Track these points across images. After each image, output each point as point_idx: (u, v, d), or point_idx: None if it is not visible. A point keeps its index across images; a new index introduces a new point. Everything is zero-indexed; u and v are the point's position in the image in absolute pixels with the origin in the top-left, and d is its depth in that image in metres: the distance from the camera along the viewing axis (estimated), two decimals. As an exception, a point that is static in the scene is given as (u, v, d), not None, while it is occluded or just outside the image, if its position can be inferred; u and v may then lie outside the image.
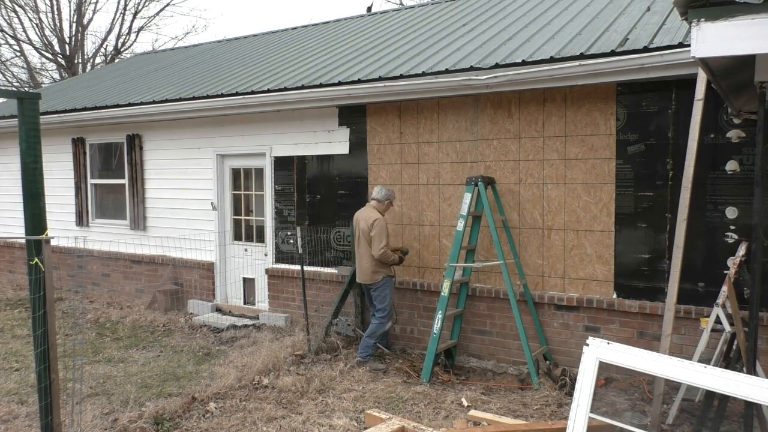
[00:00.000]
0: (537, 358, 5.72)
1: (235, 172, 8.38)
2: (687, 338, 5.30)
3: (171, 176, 8.85)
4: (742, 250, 4.87)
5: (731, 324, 4.41)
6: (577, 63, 5.36)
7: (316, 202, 7.49)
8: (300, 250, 6.67)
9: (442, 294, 5.79)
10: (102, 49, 23.92)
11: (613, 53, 5.23)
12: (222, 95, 7.69)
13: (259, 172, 8.09)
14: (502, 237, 6.09)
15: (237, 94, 7.55)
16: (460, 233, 5.78)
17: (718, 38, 2.58)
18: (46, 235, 3.66)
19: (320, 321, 6.92)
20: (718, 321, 4.56)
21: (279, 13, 41.26)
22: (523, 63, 5.65)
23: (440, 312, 5.78)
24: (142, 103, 8.51)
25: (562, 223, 5.90)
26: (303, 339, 6.57)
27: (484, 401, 5.19)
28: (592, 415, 3.16)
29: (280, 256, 7.86)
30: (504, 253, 5.80)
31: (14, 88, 22.48)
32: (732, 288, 4.44)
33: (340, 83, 6.75)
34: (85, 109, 9.15)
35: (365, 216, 6.22)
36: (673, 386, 4.95)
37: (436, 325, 5.77)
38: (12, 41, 22.59)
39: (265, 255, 8.04)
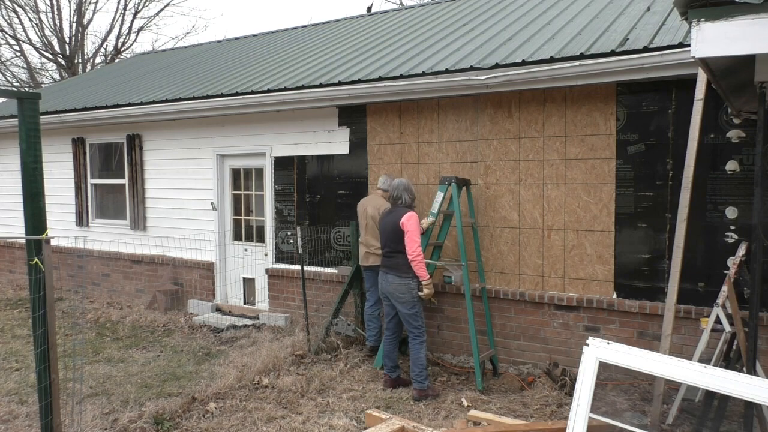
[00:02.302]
0: (483, 360, 5.73)
1: (235, 172, 8.38)
2: (687, 338, 5.30)
3: (171, 176, 8.85)
4: (742, 250, 4.87)
5: (731, 324, 4.41)
6: (577, 63, 5.37)
7: (316, 202, 7.49)
8: (300, 250, 6.67)
9: None
10: (102, 49, 23.94)
11: (613, 53, 5.23)
12: (222, 95, 7.69)
13: (259, 172, 8.09)
14: (469, 239, 6.21)
15: (237, 94, 7.55)
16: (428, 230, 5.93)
17: (718, 38, 2.58)
18: (46, 235, 3.66)
19: (320, 321, 6.92)
20: (718, 321, 4.56)
21: (279, 13, 41.29)
22: (523, 63, 5.65)
23: None
24: (142, 103, 8.51)
25: (562, 223, 5.90)
26: (303, 339, 6.57)
27: (484, 401, 5.19)
28: (592, 415, 3.16)
29: (280, 256, 7.86)
30: (480, 255, 5.79)
31: (14, 88, 22.48)
32: (732, 288, 4.44)
33: (340, 83, 6.76)
34: (85, 109, 9.15)
35: (374, 203, 6.32)
36: (673, 386, 4.95)
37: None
38: (12, 41, 22.60)
39: (265, 255, 8.04)
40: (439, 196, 5.91)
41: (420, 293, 5.38)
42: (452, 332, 6.50)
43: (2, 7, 21.81)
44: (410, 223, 5.25)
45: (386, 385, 5.47)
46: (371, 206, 6.33)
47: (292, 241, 7.69)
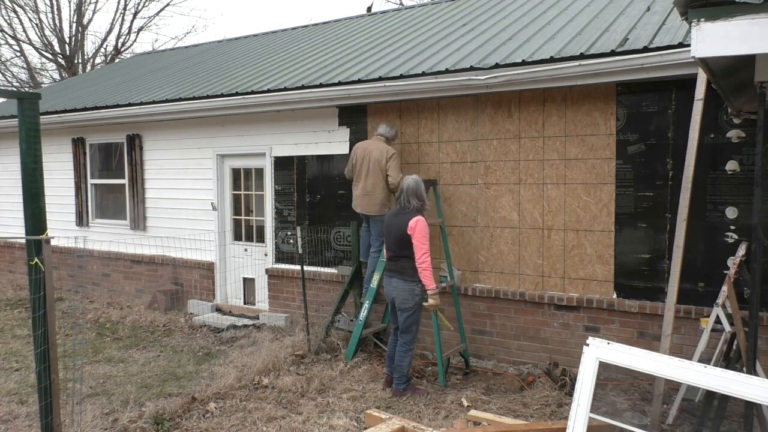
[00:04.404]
0: (450, 356, 5.81)
1: (235, 172, 8.38)
2: (687, 338, 5.30)
3: (171, 176, 8.85)
4: (742, 250, 4.87)
5: (731, 324, 4.41)
6: (577, 63, 5.37)
7: (316, 202, 7.49)
8: (300, 250, 6.67)
9: (371, 286, 6.12)
10: (102, 49, 23.95)
11: (613, 53, 5.23)
12: (222, 95, 7.69)
13: (259, 172, 8.09)
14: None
15: (237, 94, 7.55)
16: None
17: (718, 38, 2.58)
18: (46, 235, 3.66)
19: (320, 321, 6.92)
20: (718, 321, 4.56)
21: (279, 13, 41.30)
22: (523, 63, 5.65)
23: (367, 302, 6.13)
24: (142, 103, 8.51)
25: (562, 223, 5.90)
26: (303, 339, 6.56)
27: (484, 401, 5.19)
28: (592, 415, 3.16)
29: (280, 256, 7.86)
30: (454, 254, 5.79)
31: (14, 88, 22.48)
32: (732, 288, 4.44)
33: (340, 83, 6.76)
34: (85, 109, 9.15)
35: (377, 147, 6.27)
36: (673, 386, 4.95)
37: (363, 313, 6.13)
38: (12, 41, 22.61)
39: (265, 255, 8.04)
40: None
41: (425, 303, 5.27)
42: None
43: (2, 7, 21.83)
44: (418, 228, 5.11)
45: (387, 384, 5.47)
46: (376, 150, 6.23)
47: (292, 241, 7.69)
